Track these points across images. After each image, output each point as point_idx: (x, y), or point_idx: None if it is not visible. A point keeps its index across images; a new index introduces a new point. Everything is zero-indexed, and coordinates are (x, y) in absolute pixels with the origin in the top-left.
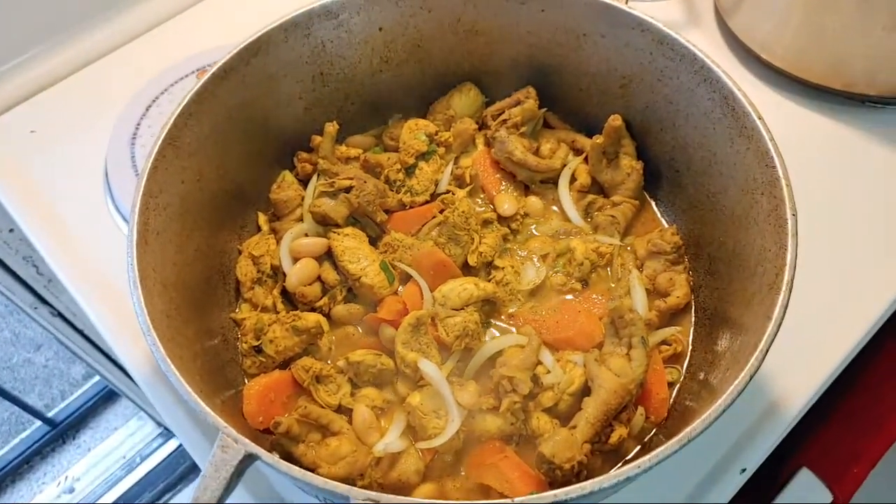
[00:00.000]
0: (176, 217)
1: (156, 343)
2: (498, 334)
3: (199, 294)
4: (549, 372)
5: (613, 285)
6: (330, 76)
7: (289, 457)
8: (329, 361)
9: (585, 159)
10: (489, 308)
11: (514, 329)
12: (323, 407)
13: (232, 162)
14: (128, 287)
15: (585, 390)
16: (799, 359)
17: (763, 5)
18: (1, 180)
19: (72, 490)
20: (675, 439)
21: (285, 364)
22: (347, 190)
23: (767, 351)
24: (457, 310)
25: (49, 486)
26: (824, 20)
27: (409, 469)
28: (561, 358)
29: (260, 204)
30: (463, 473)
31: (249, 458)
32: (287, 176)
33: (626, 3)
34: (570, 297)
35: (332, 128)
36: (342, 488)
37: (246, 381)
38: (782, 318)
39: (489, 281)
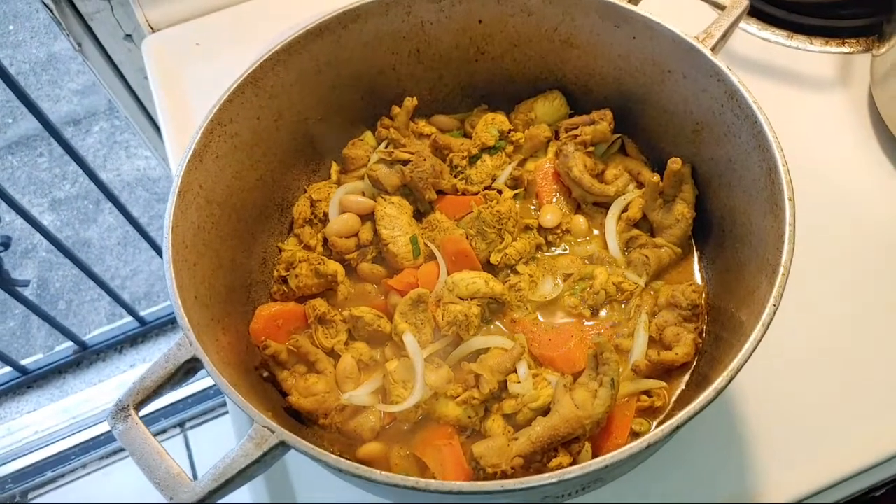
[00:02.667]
0: (243, 147)
1: (167, 245)
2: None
3: (250, 218)
4: (519, 382)
5: (619, 322)
6: (426, 55)
7: (272, 378)
8: (339, 309)
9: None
10: (496, 307)
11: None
12: (316, 346)
13: (315, 112)
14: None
15: (548, 410)
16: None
17: None
18: (160, 79)
19: None
20: (581, 465)
21: (303, 300)
22: (405, 162)
23: (687, 419)
24: (462, 299)
25: None
26: None
27: (366, 425)
28: (538, 374)
29: (338, 154)
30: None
31: (195, 361)
32: (368, 136)
33: (714, 49)
34: (575, 321)
35: (410, 102)
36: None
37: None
38: (712, 399)
39: (504, 283)
